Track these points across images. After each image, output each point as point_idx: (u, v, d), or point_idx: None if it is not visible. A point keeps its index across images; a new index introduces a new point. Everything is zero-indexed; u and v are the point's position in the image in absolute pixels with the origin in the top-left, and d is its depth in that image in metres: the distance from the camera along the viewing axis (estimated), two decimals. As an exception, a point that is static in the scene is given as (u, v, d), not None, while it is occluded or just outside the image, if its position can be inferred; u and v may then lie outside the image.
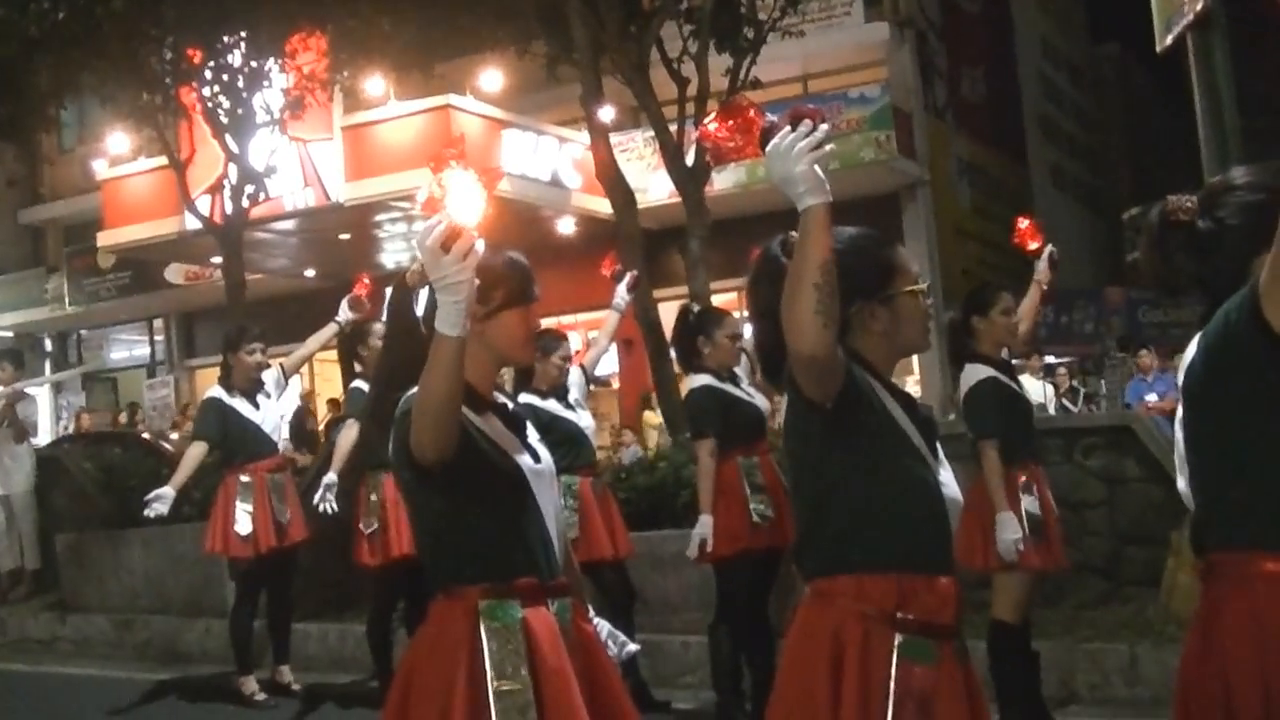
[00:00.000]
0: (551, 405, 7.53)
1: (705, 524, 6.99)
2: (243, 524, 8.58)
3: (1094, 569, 8.71)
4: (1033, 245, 7.21)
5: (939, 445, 3.31)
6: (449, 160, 3.23)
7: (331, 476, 8.39)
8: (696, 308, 7.60)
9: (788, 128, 2.95)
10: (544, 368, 7.53)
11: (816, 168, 2.93)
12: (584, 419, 7.77)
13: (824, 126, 2.95)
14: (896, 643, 3.07)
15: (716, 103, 14.60)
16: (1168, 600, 8.04)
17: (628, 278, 8.33)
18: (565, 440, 7.41)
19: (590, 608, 3.89)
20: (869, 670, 3.05)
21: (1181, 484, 3.24)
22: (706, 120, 3.23)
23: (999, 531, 6.32)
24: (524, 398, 7.39)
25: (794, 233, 3.03)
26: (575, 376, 7.87)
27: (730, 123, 3.11)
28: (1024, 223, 7.31)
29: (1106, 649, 7.60)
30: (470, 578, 3.43)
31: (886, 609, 3.09)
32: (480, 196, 3.13)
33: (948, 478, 3.26)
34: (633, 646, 3.97)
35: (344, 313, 8.53)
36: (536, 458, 3.58)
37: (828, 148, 2.95)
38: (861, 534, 3.14)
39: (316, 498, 8.39)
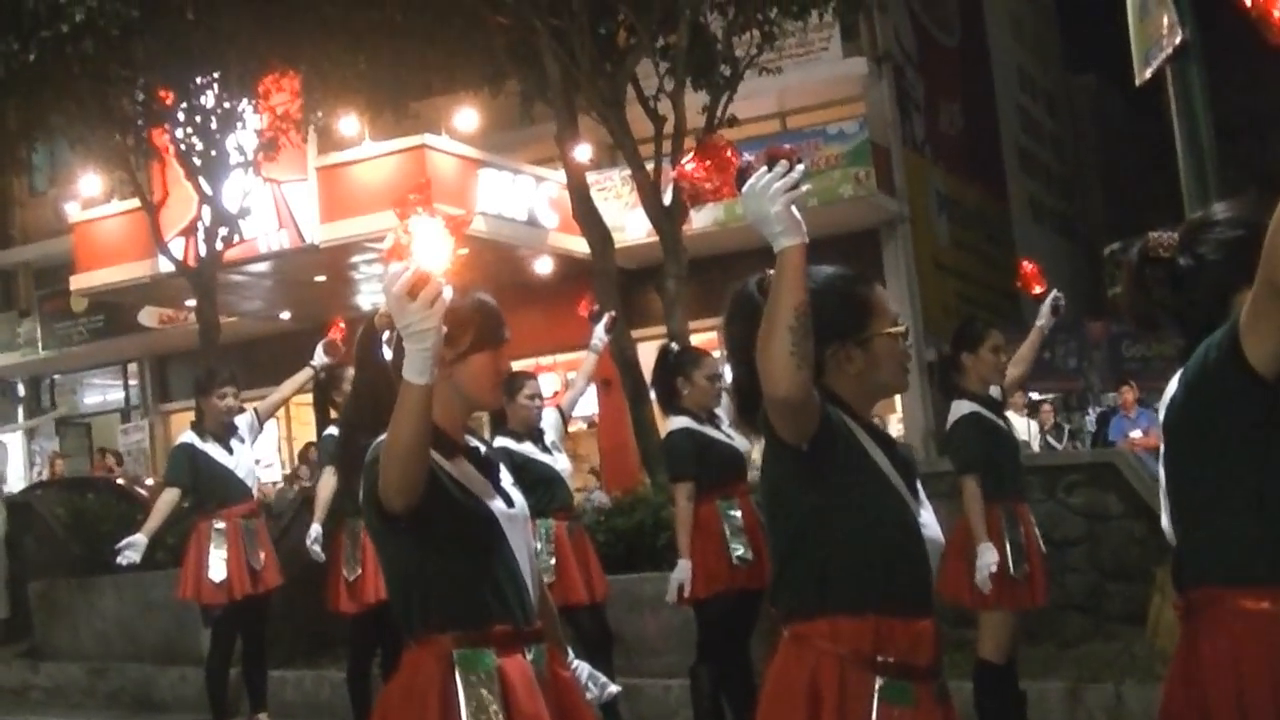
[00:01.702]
0: (527, 448, 7.44)
1: (683, 568, 6.96)
2: (216, 570, 8.50)
3: (1076, 606, 8.68)
4: (1037, 289, 7.20)
5: (920, 485, 3.27)
6: (415, 206, 3.21)
7: (316, 527, 8.31)
8: (676, 347, 7.54)
9: (764, 168, 2.93)
10: (513, 409, 7.44)
11: (793, 208, 2.91)
12: (560, 461, 7.69)
13: (800, 167, 2.93)
14: (876, 686, 3.03)
15: (694, 140, 14.62)
16: (1152, 637, 7.98)
17: (605, 318, 8.26)
18: (540, 483, 7.34)
19: (569, 650, 3.89)
20: (847, 713, 3.02)
21: (1165, 521, 3.22)
22: (684, 160, 3.20)
23: (979, 559, 6.30)
24: (499, 441, 7.30)
25: (770, 271, 3.01)
26: (552, 418, 7.80)
27: (707, 163, 3.11)
28: (1028, 266, 7.29)
29: (1091, 688, 7.57)
30: (443, 625, 3.39)
31: (864, 652, 3.05)
32: (447, 243, 3.11)
33: (928, 518, 3.21)
34: (614, 688, 3.95)
35: (319, 357, 8.48)
36: (510, 502, 3.55)
37: (804, 188, 2.93)
38: (838, 576, 3.11)
39: (311, 551, 8.30)
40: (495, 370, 3.56)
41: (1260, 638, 2.88)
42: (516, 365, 7.43)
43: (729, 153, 3.11)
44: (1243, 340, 2.81)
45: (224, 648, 8.88)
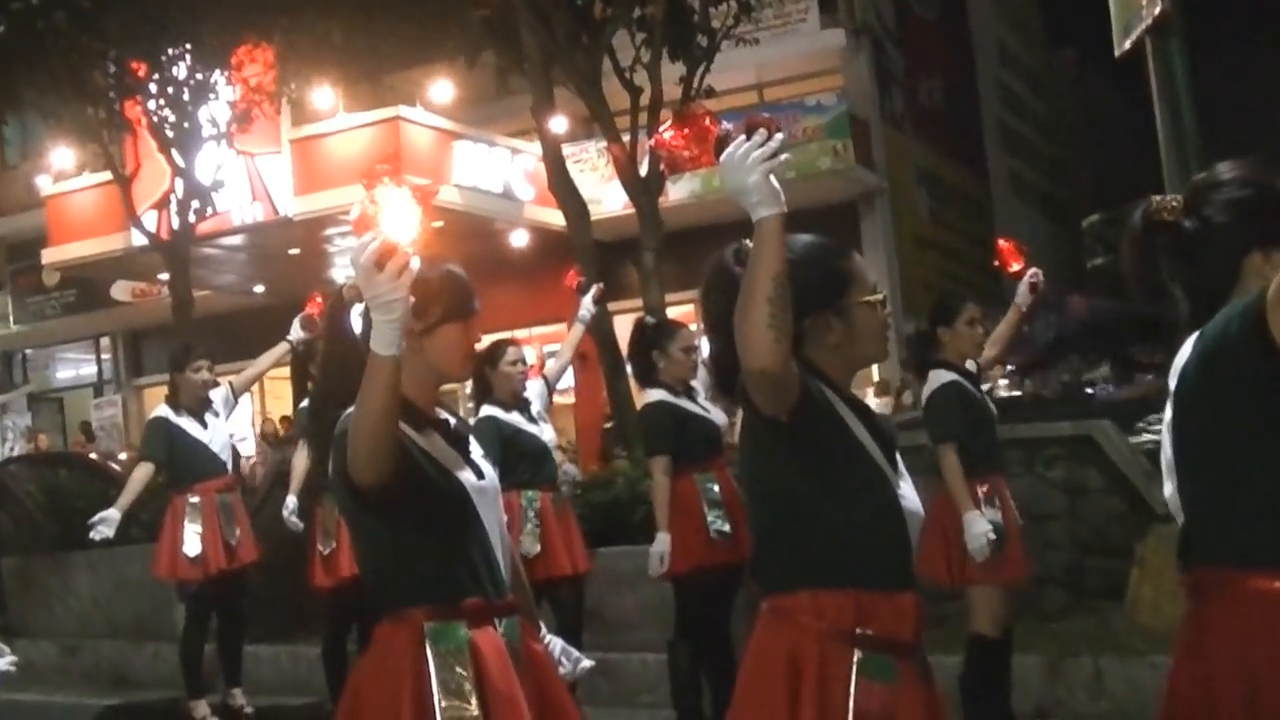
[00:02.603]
0: (515, 418, 7.35)
1: (662, 541, 6.92)
2: (191, 545, 8.44)
3: (1055, 581, 8.65)
4: (1014, 267, 7.12)
5: (899, 458, 3.21)
6: (382, 176, 3.22)
7: (291, 499, 8.32)
8: (652, 320, 7.48)
9: (742, 137, 2.87)
10: (498, 376, 7.36)
11: (771, 178, 2.85)
12: (546, 433, 7.60)
13: (779, 136, 2.87)
14: (855, 660, 2.99)
15: (670, 112, 14.58)
16: (1132, 612, 7.99)
17: (593, 289, 8.19)
18: (527, 455, 7.33)
19: (543, 626, 3.88)
20: (827, 688, 2.97)
21: (1168, 490, 3.14)
22: (661, 128, 3.14)
23: (967, 530, 6.25)
24: (486, 410, 7.29)
25: (747, 241, 2.96)
26: (537, 389, 7.71)
27: (685, 131, 3.06)
28: (1005, 243, 7.22)
29: (1070, 662, 7.53)
30: (414, 599, 3.38)
31: (844, 626, 3.01)
32: (415, 213, 3.10)
33: (908, 490, 3.16)
34: (587, 663, 3.95)
35: (296, 331, 8.41)
36: (480, 474, 3.52)
37: (782, 157, 2.86)
38: (818, 550, 3.06)
39: (288, 524, 8.32)
40: (465, 342, 3.52)
41: (1272, 620, 2.79)
42: (492, 339, 7.40)
43: (707, 121, 3.06)
44: (1269, 315, 2.69)
45: (199, 624, 8.84)
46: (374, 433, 3.11)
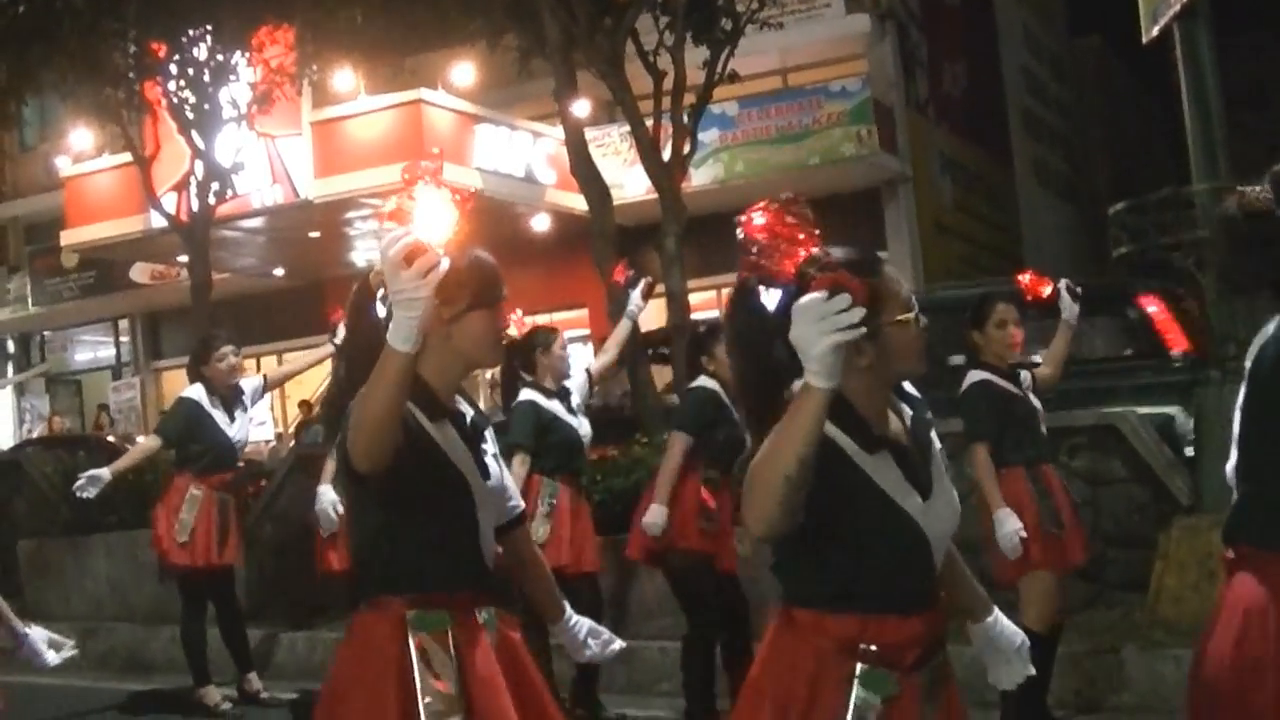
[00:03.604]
0: (555, 406, 7.35)
1: (655, 513, 6.96)
2: (179, 532, 8.42)
3: (1077, 572, 8.54)
4: (1046, 291, 7.03)
5: (938, 462, 3.16)
6: (424, 174, 3.12)
7: (325, 487, 8.28)
8: (705, 325, 7.55)
9: (825, 292, 2.66)
10: (548, 361, 7.38)
11: (837, 351, 2.68)
12: (583, 426, 7.57)
13: (859, 311, 2.67)
14: (857, 671, 2.98)
15: (694, 96, 14.51)
16: (1154, 604, 7.94)
17: (641, 284, 8.07)
18: (560, 445, 7.34)
19: (568, 607, 3.90)
20: (823, 697, 2.97)
21: (1229, 466, 3.12)
22: (755, 209, 2.94)
23: (998, 529, 6.25)
24: (526, 394, 7.32)
25: None
26: (579, 381, 7.67)
27: (780, 229, 2.90)
28: (1024, 277, 7.12)
29: (1092, 654, 7.48)
30: (398, 587, 3.40)
31: (848, 642, 3.00)
32: (450, 216, 3.07)
33: (939, 505, 3.09)
34: (618, 644, 3.94)
35: (340, 334, 8.38)
36: (486, 474, 3.52)
37: (856, 333, 2.67)
38: (832, 584, 3.03)
39: (322, 518, 8.31)
40: (494, 328, 3.49)
41: None
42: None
43: (803, 235, 2.91)
44: None
45: (195, 610, 8.78)
46: (376, 424, 3.10)
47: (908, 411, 3.22)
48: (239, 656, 8.96)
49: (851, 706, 2.95)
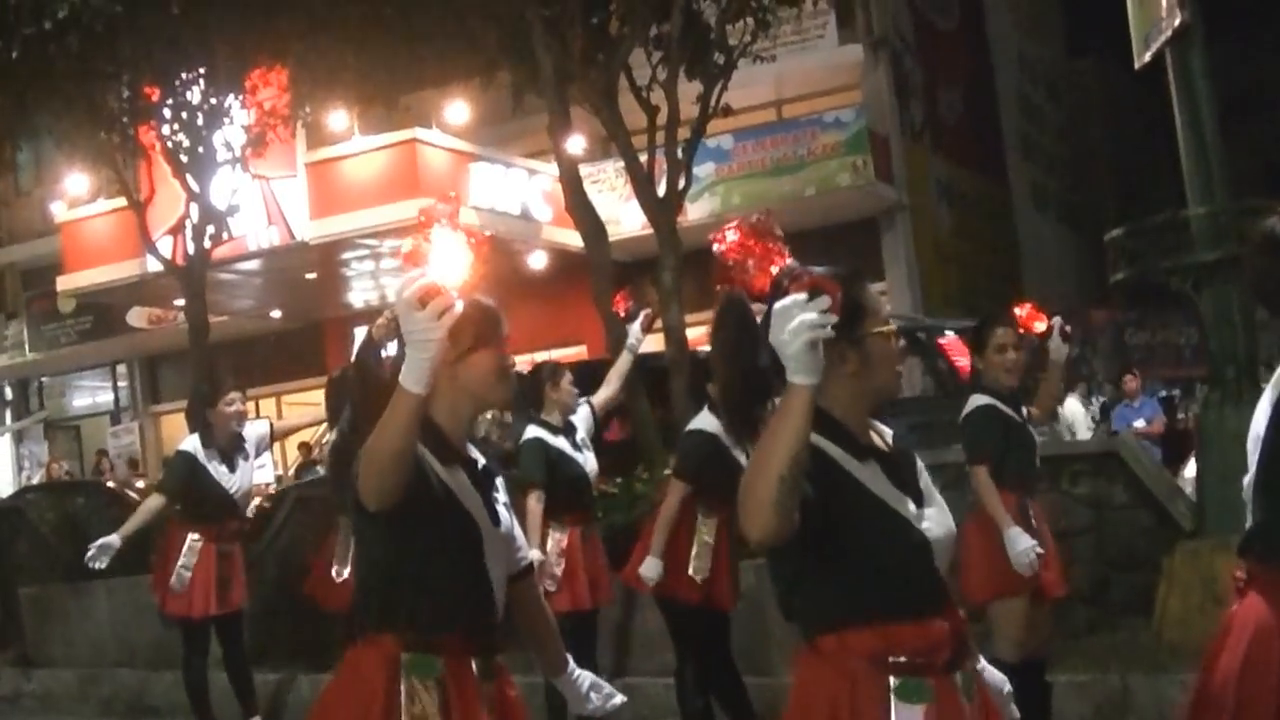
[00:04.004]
0: (561, 443, 7.39)
1: (652, 566, 6.95)
2: (176, 580, 8.40)
3: (1082, 597, 8.57)
4: (1039, 327, 7.05)
5: (925, 478, 3.25)
6: (440, 217, 3.23)
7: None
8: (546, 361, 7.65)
9: (804, 295, 2.80)
10: (555, 396, 7.42)
11: (817, 348, 2.80)
12: (589, 461, 7.61)
13: (835, 312, 2.80)
14: (892, 686, 3.01)
15: (688, 130, 14.52)
16: (1159, 628, 7.93)
17: (641, 316, 8.10)
18: (568, 483, 7.37)
19: (570, 660, 3.91)
20: (865, 715, 3.00)
21: (1247, 480, 3.14)
22: (727, 228, 3.08)
23: (1011, 547, 6.22)
24: (532, 431, 7.35)
25: None
26: (584, 415, 7.72)
27: (751, 243, 3.00)
28: (1021, 310, 7.13)
29: (1097, 679, 7.47)
30: (396, 624, 3.44)
31: (875, 656, 3.03)
32: (466, 259, 3.17)
33: (935, 515, 3.18)
34: (619, 699, 3.93)
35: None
36: (496, 520, 3.57)
37: (829, 331, 2.80)
38: (840, 600, 3.09)
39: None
40: (499, 366, 3.56)
41: None
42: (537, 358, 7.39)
43: (776, 246, 3.02)
44: None
45: (198, 653, 8.77)
46: (387, 463, 3.17)
47: (888, 431, 3.30)
48: (244, 698, 8.93)
49: (894, 718, 2.99)
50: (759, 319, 3.06)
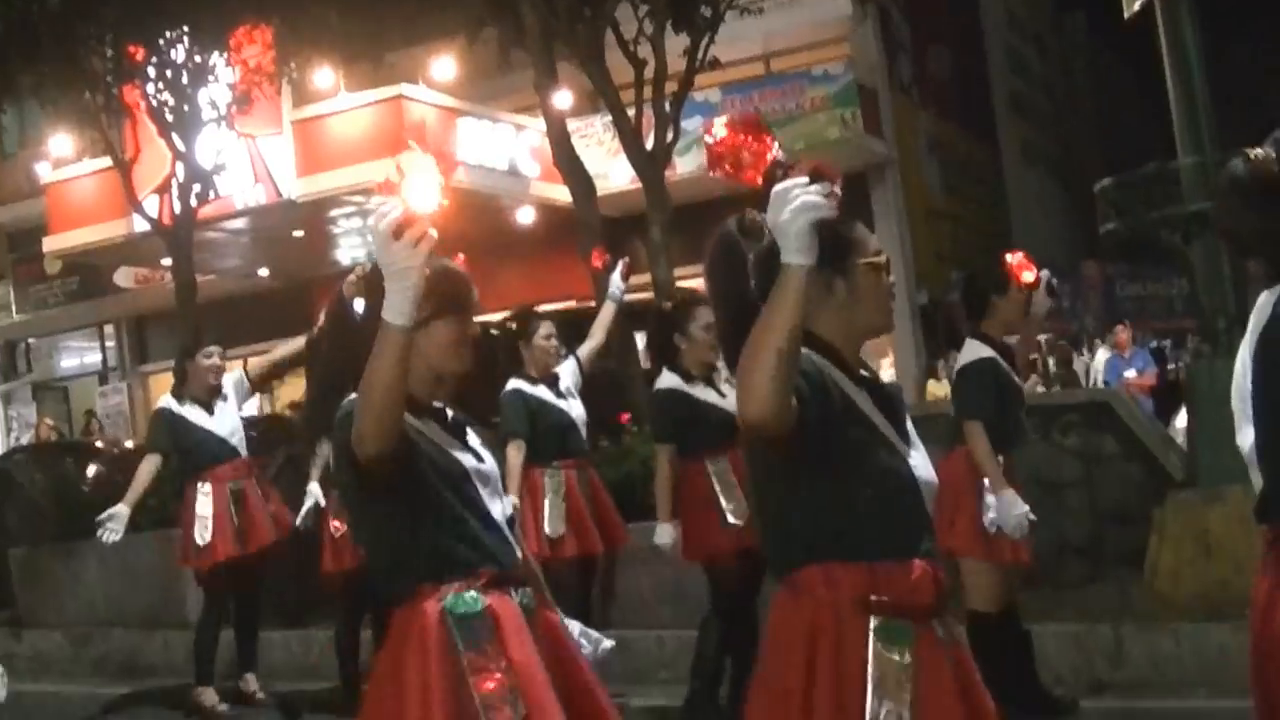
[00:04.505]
0: (541, 391, 7.39)
1: (664, 532, 6.89)
2: (200, 534, 8.43)
3: (1073, 549, 8.59)
4: (1028, 278, 6.99)
5: (910, 425, 3.22)
6: (408, 143, 3.27)
7: (313, 486, 8.30)
8: (669, 304, 7.36)
9: (805, 178, 2.81)
10: (531, 351, 7.39)
11: (812, 230, 2.80)
12: (574, 408, 7.60)
13: (835, 193, 2.84)
14: (872, 626, 2.98)
15: (676, 84, 14.44)
16: (1151, 580, 7.93)
17: (620, 266, 8.11)
18: (553, 430, 7.36)
19: (559, 611, 3.87)
20: (844, 656, 2.96)
21: (1243, 440, 3.10)
22: (716, 123, 3.03)
23: (1003, 509, 6.18)
24: (513, 383, 7.33)
25: (751, 211, 3.00)
26: (569, 367, 7.72)
27: (743, 138, 2.96)
28: (1013, 258, 7.07)
29: (1090, 632, 7.47)
30: (426, 577, 3.42)
31: (858, 595, 3.00)
32: (437, 184, 3.13)
33: (920, 459, 3.16)
34: (608, 643, 3.94)
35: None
36: (479, 458, 3.56)
37: (829, 213, 2.81)
38: (829, 528, 3.05)
39: (301, 515, 8.36)
40: (460, 337, 3.53)
41: None
42: (499, 317, 7.35)
43: (768, 139, 2.98)
44: None
45: (215, 609, 8.81)
46: (381, 401, 3.13)
47: (885, 376, 3.27)
48: (245, 656, 8.99)
49: (871, 661, 2.95)
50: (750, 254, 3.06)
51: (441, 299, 3.45)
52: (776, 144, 2.98)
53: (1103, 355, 17.64)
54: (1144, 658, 7.24)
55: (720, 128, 2.98)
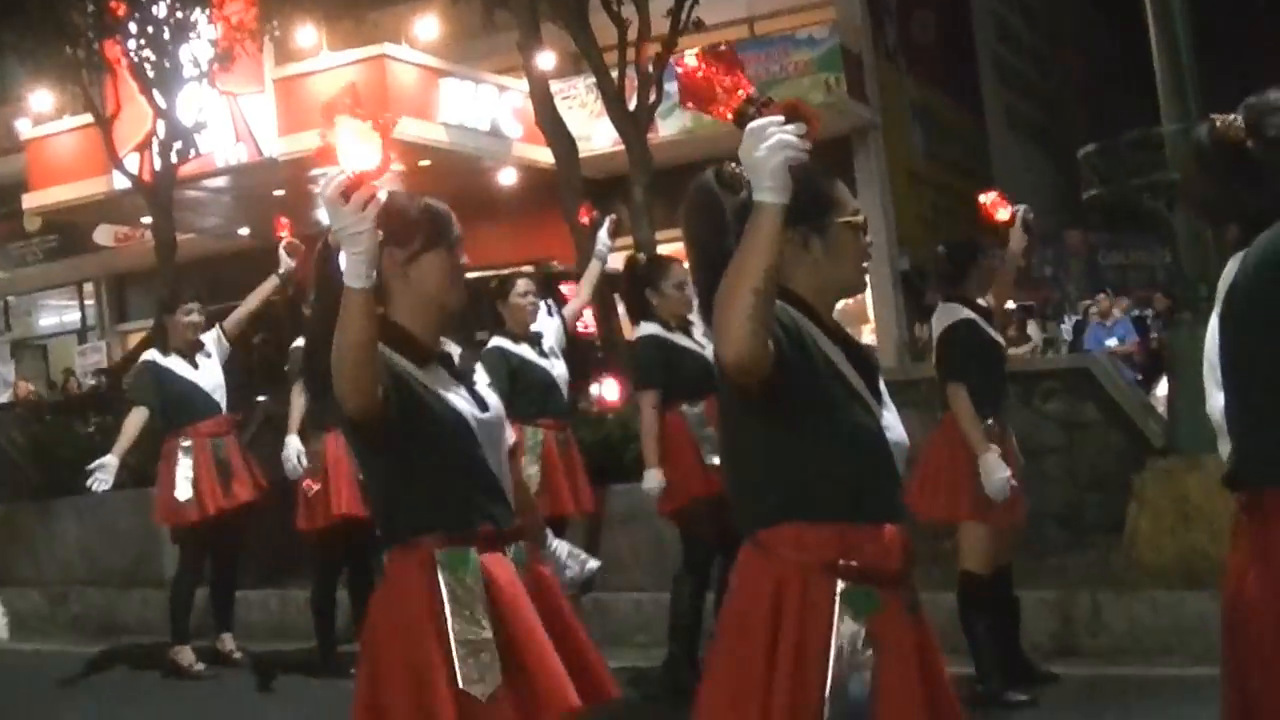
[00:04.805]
0: (523, 350, 7.39)
1: (652, 477, 6.91)
2: (182, 490, 8.43)
3: (1053, 516, 8.59)
4: (1002, 214, 6.94)
5: (883, 387, 3.20)
6: (341, 109, 3.16)
7: (293, 440, 8.24)
8: (644, 258, 7.41)
9: (780, 117, 2.79)
10: (509, 308, 7.39)
11: (787, 169, 2.78)
12: (557, 367, 7.61)
13: (808, 139, 2.81)
14: (838, 590, 2.95)
15: (661, 46, 14.37)
16: (1130, 548, 7.94)
17: (607, 222, 8.12)
18: (535, 388, 7.36)
19: (549, 532, 4.04)
20: (809, 619, 2.93)
21: (1212, 406, 3.08)
22: (687, 54, 3.01)
23: (986, 474, 6.18)
24: (495, 341, 7.34)
25: (730, 164, 2.97)
26: (554, 325, 7.74)
27: (715, 70, 2.90)
28: (987, 197, 7.04)
29: (1069, 599, 7.49)
30: (423, 528, 3.45)
31: (827, 558, 2.97)
32: (375, 144, 3.12)
33: (892, 420, 3.14)
34: (594, 563, 4.06)
35: (284, 262, 8.36)
36: (484, 406, 3.57)
37: (804, 155, 2.79)
38: (800, 485, 3.02)
39: (287, 466, 8.26)
40: (450, 268, 3.55)
41: None
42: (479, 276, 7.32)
43: (741, 72, 2.92)
44: None
45: (192, 568, 8.81)
46: (352, 363, 3.16)
47: (864, 342, 3.27)
48: (222, 615, 9.00)
49: (836, 627, 2.93)
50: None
51: (429, 233, 3.51)
52: (749, 83, 2.93)
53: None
54: (1122, 625, 7.27)
55: (692, 59, 2.93)
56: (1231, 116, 3.09)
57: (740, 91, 2.89)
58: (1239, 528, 3.07)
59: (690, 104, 2.99)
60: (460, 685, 3.30)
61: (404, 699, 3.34)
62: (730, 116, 2.89)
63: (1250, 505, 3.01)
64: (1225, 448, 3.15)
